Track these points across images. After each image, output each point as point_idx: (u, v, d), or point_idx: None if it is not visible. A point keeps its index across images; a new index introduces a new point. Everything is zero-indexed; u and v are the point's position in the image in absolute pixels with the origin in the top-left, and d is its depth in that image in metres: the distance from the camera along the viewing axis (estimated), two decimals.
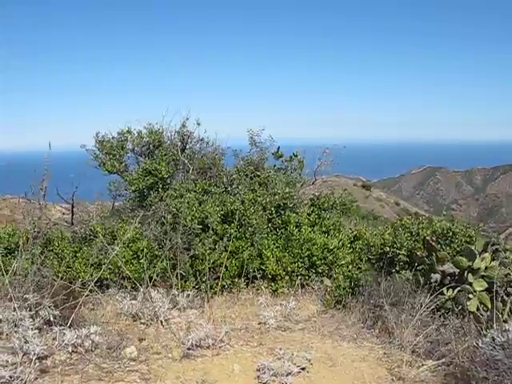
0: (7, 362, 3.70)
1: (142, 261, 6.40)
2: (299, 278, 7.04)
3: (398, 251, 6.64)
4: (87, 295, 5.67)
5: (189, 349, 4.52)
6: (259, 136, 8.81)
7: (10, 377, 3.61)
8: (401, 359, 4.59)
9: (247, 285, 6.82)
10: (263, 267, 6.94)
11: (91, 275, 6.27)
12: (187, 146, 8.81)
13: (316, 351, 4.75)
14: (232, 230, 6.88)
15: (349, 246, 7.62)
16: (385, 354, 4.81)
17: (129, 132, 8.70)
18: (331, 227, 7.87)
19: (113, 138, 8.61)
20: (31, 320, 4.51)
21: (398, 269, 6.58)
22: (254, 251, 6.95)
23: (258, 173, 8.33)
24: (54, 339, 4.55)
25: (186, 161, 8.27)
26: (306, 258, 7.15)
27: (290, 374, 4.16)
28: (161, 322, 5.28)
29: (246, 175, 8.22)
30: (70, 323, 4.88)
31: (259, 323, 5.48)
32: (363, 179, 74.26)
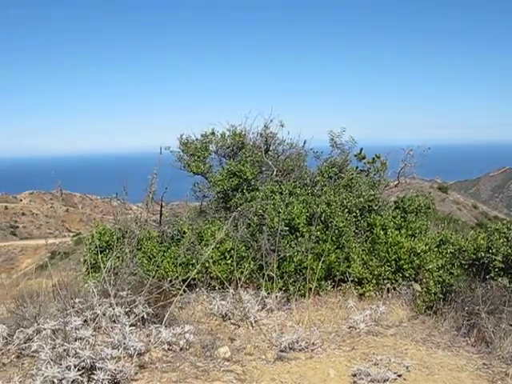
0: (111, 355, 3.80)
1: (229, 261, 6.44)
2: (386, 281, 6.91)
3: (493, 257, 6.37)
4: (179, 294, 5.77)
5: (282, 351, 4.49)
6: (340, 137, 8.72)
7: (115, 370, 3.70)
8: (504, 371, 4.38)
9: (333, 288, 6.74)
10: (349, 270, 6.84)
11: (179, 274, 6.38)
12: (270, 148, 8.83)
13: (411, 358, 4.61)
14: (318, 232, 6.82)
15: (436, 249, 7.39)
16: (484, 364, 4.61)
17: (212, 134, 8.80)
18: (417, 230, 7.67)
19: (196, 139, 8.73)
20: (126, 317, 4.62)
21: (492, 275, 6.32)
22: (340, 254, 6.86)
23: (342, 175, 8.23)
24: (147, 336, 4.64)
25: (270, 162, 8.28)
26: (393, 262, 6.99)
27: (386, 380, 4.05)
28: (250, 322, 5.28)
29: (330, 177, 8.14)
30: (162, 321, 4.97)
31: (349, 327, 5.39)
32: (439, 181, 72.24)
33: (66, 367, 3.60)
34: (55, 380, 3.53)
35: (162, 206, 7.19)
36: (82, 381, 3.59)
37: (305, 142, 8.87)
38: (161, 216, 7.19)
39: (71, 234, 79.02)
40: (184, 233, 6.87)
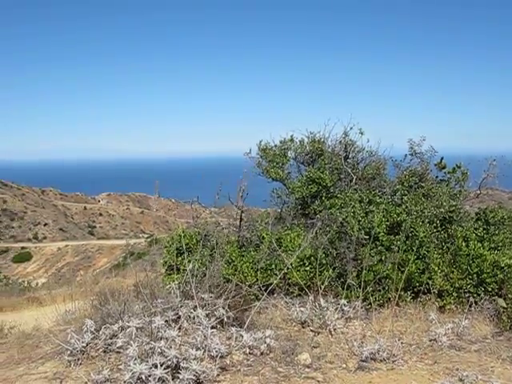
0: (195, 356, 3.87)
1: (308, 268, 6.44)
2: (467, 295, 6.70)
3: None
4: (258, 299, 5.81)
5: (363, 360, 4.43)
6: (420, 146, 8.54)
7: (199, 370, 3.77)
8: None
9: (413, 299, 6.60)
10: (430, 282, 6.68)
11: (258, 279, 6.42)
12: (350, 155, 8.76)
13: (498, 377, 4.44)
14: (398, 242, 6.70)
15: None
16: None
17: (291, 140, 8.82)
18: (500, 243, 7.40)
19: (275, 146, 8.77)
20: (207, 319, 4.69)
21: None
22: (420, 264, 6.71)
23: (422, 184, 8.06)
24: (228, 339, 4.70)
25: (349, 170, 8.21)
26: (475, 275, 6.77)
27: None
28: (330, 330, 5.25)
29: (410, 186, 7.99)
30: (242, 325, 5.02)
31: (430, 340, 5.25)
32: None
33: (153, 365, 3.69)
34: (143, 376, 3.63)
35: (242, 211, 7.26)
36: (167, 379, 3.68)
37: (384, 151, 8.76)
38: (240, 221, 7.27)
39: (145, 236, 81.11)
40: (263, 238, 6.91)
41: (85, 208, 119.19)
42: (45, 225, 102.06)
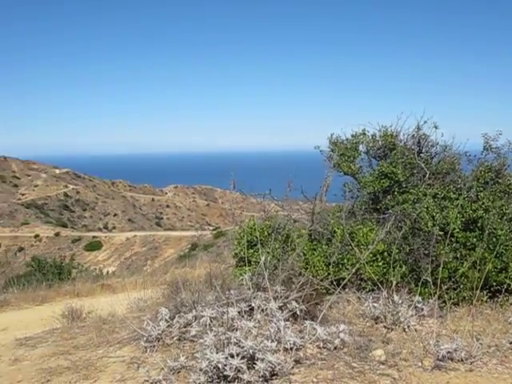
0: (270, 347, 3.88)
1: (380, 263, 6.35)
2: None
3: None
4: (329, 293, 5.78)
5: (439, 360, 4.32)
6: (496, 141, 8.23)
7: (274, 362, 3.78)
8: None
9: (490, 299, 6.39)
10: (508, 281, 6.45)
11: (328, 273, 6.38)
12: (423, 150, 8.56)
13: None
14: (475, 239, 6.50)
15: None
16: None
17: (363, 134, 8.69)
18: None
19: (346, 139, 8.66)
20: (280, 311, 4.70)
21: None
22: (498, 263, 6.49)
23: (499, 180, 7.78)
24: (300, 332, 4.68)
25: (422, 164, 8.02)
26: None
27: None
28: (403, 327, 5.15)
29: (486, 182, 7.72)
30: (314, 319, 5.00)
31: (510, 343, 5.06)
32: None
33: (229, 354, 3.73)
34: (219, 365, 3.67)
35: (314, 205, 7.22)
36: (242, 368, 3.71)
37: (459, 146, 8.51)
38: (313, 214, 7.23)
39: (211, 228, 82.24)
40: (335, 232, 6.86)
41: (152, 200, 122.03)
42: (114, 215, 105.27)
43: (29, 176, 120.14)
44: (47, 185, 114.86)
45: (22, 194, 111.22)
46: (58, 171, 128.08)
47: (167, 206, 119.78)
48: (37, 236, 75.79)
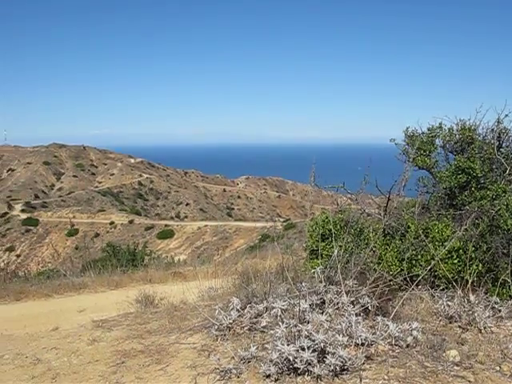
0: (341, 342, 3.85)
1: (455, 261, 6.17)
2: None
3: None
4: (401, 289, 5.67)
5: None
6: None
7: (345, 357, 3.75)
8: None
9: None
10: None
11: (401, 269, 6.26)
12: (503, 145, 8.23)
13: None
14: None
15: None
16: None
17: (439, 128, 8.46)
18: None
19: (422, 133, 8.46)
20: (351, 306, 4.65)
21: None
22: None
23: None
24: (371, 328, 4.61)
25: (502, 160, 7.72)
26: None
27: None
28: (479, 329, 4.98)
29: None
30: (386, 315, 4.91)
31: None
32: None
33: (300, 347, 3.72)
34: (290, 357, 3.68)
35: (388, 199, 7.09)
36: (313, 362, 3.69)
37: None
38: (386, 209, 7.11)
39: (281, 220, 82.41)
40: (408, 227, 6.72)
41: (224, 190, 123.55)
42: (186, 204, 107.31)
43: (105, 165, 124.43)
44: (122, 174, 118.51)
45: (99, 182, 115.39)
46: (133, 161, 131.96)
47: (238, 197, 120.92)
48: (112, 223, 78.26)
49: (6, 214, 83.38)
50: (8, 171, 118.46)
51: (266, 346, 4.18)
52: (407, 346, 4.35)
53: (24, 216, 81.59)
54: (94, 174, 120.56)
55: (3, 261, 67.59)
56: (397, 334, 4.35)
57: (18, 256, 72.05)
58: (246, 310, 4.98)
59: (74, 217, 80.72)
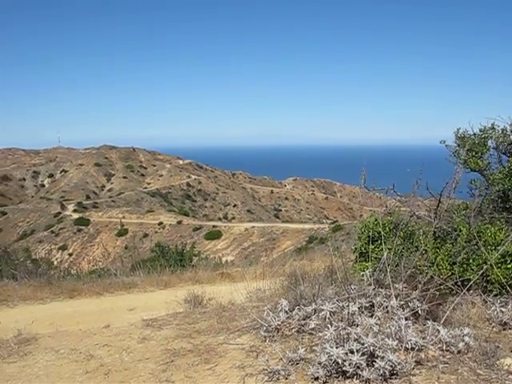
0: (391, 346, 3.81)
1: (509, 266, 6.01)
2: None
3: None
4: (452, 294, 5.56)
5: None
6: None
7: (395, 361, 3.71)
8: None
9: None
10: None
11: (452, 273, 6.13)
12: None
13: None
14: None
15: None
16: None
17: (492, 129, 8.26)
18: None
19: (474, 134, 8.28)
20: (401, 310, 4.59)
21: None
22: None
23: None
24: (421, 332, 4.54)
25: None
26: None
27: None
28: None
29: None
30: (436, 319, 4.83)
31: None
32: None
33: (349, 350, 3.70)
34: (339, 360, 3.66)
35: (439, 202, 6.97)
36: (361, 365, 3.67)
37: None
38: (436, 211, 6.99)
39: (328, 221, 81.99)
40: (460, 231, 6.58)
41: (271, 192, 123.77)
42: (234, 206, 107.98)
43: (154, 166, 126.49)
44: (171, 175, 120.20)
45: (148, 183, 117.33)
46: (181, 162, 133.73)
47: (286, 199, 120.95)
48: (160, 223, 79.41)
49: (59, 213, 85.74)
50: (61, 172, 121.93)
51: (315, 348, 4.17)
52: (459, 352, 4.26)
53: (76, 216, 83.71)
54: (143, 175, 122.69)
55: (56, 259, 69.55)
56: (448, 340, 4.27)
57: (71, 255, 73.94)
58: (294, 312, 4.98)
59: (123, 217, 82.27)
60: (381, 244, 6.70)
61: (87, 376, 4.53)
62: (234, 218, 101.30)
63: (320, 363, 3.77)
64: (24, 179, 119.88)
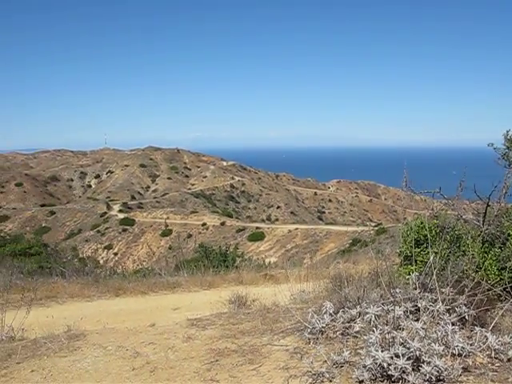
0: (437, 351, 3.76)
1: None
2: None
3: None
4: (501, 300, 5.45)
5: None
6: None
7: (441, 367, 3.66)
8: None
9: None
10: None
11: (501, 279, 6.01)
12: None
13: None
14: None
15: None
16: None
17: None
18: None
19: None
20: (447, 315, 4.52)
21: None
22: None
23: None
24: (468, 338, 4.46)
25: None
26: None
27: None
28: None
29: None
30: (484, 326, 4.73)
31: None
32: None
33: (394, 354, 3.67)
34: (384, 364, 3.63)
35: (487, 205, 6.84)
36: (407, 370, 3.63)
37: None
38: (485, 215, 6.85)
39: (372, 224, 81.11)
40: (509, 235, 6.44)
41: (315, 193, 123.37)
42: (277, 207, 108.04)
43: (198, 167, 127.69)
44: (215, 176, 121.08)
45: (192, 184, 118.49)
46: (225, 163, 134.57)
47: (329, 201, 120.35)
48: (204, 224, 79.98)
49: (105, 213, 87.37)
50: (107, 173, 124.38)
51: (359, 351, 4.14)
52: (508, 360, 4.17)
53: (121, 216, 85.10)
54: (187, 176, 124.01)
55: (102, 258, 70.90)
56: (497, 347, 4.18)
57: (116, 254, 75.21)
58: (338, 315, 4.96)
59: (167, 218, 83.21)
60: (426, 247, 6.62)
61: (134, 373, 4.62)
62: (277, 219, 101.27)
63: (365, 366, 3.75)
64: (72, 180, 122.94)
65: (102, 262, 62.91)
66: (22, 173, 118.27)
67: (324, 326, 4.80)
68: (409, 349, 3.70)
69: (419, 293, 4.90)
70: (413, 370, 3.68)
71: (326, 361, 4.18)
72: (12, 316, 6.64)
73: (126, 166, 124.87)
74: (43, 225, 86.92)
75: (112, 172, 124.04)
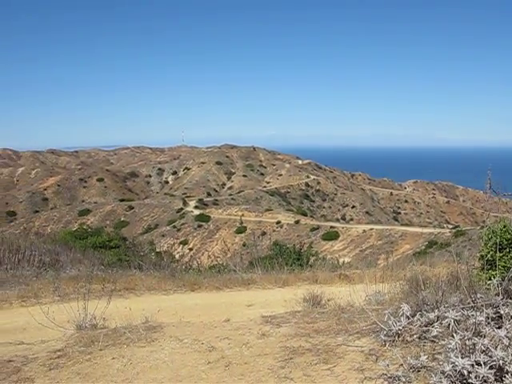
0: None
1: None
2: None
3: None
4: None
5: None
6: None
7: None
8: None
9: None
10: None
11: None
12: None
13: None
14: None
15: None
16: None
17: None
18: None
19: None
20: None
21: None
22: None
23: None
24: None
25: None
26: None
27: None
28: None
29: None
30: None
31: None
32: None
33: (475, 362, 3.54)
34: (464, 371, 3.51)
35: None
36: (489, 379, 3.50)
37: None
38: None
39: (450, 226, 78.84)
40: None
41: (391, 194, 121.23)
42: (352, 207, 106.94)
43: (274, 166, 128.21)
44: (290, 175, 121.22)
45: (267, 182, 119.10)
46: (300, 162, 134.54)
47: (405, 201, 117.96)
48: (278, 222, 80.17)
49: (181, 209, 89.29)
50: (184, 170, 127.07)
51: (437, 356, 4.04)
52: None
53: (197, 212, 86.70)
54: (262, 174, 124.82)
55: (178, 253, 72.43)
56: None
57: (191, 249, 76.70)
58: (415, 318, 4.84)
59: (242, 215, 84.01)
60: (509, 252, 6.37)
61: (209, 366, 4.70)
62: (352, 219, 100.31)
63: (443, 372, 3.64)
64: (150, 176, 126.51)
65: (177, 256, 64.23)
66: (103, 168, 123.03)
67: (400, 328, 4.70)
68: (491, 357, 3.56)
69: (501, 299, 4.71)
70: (495, 380, 3.53)
71: (402, 364, 4.09)
72: (94, 305, 6.90)
73: (203, 163, 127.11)
74: (122, 219, 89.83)
75: (189, 169, 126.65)
